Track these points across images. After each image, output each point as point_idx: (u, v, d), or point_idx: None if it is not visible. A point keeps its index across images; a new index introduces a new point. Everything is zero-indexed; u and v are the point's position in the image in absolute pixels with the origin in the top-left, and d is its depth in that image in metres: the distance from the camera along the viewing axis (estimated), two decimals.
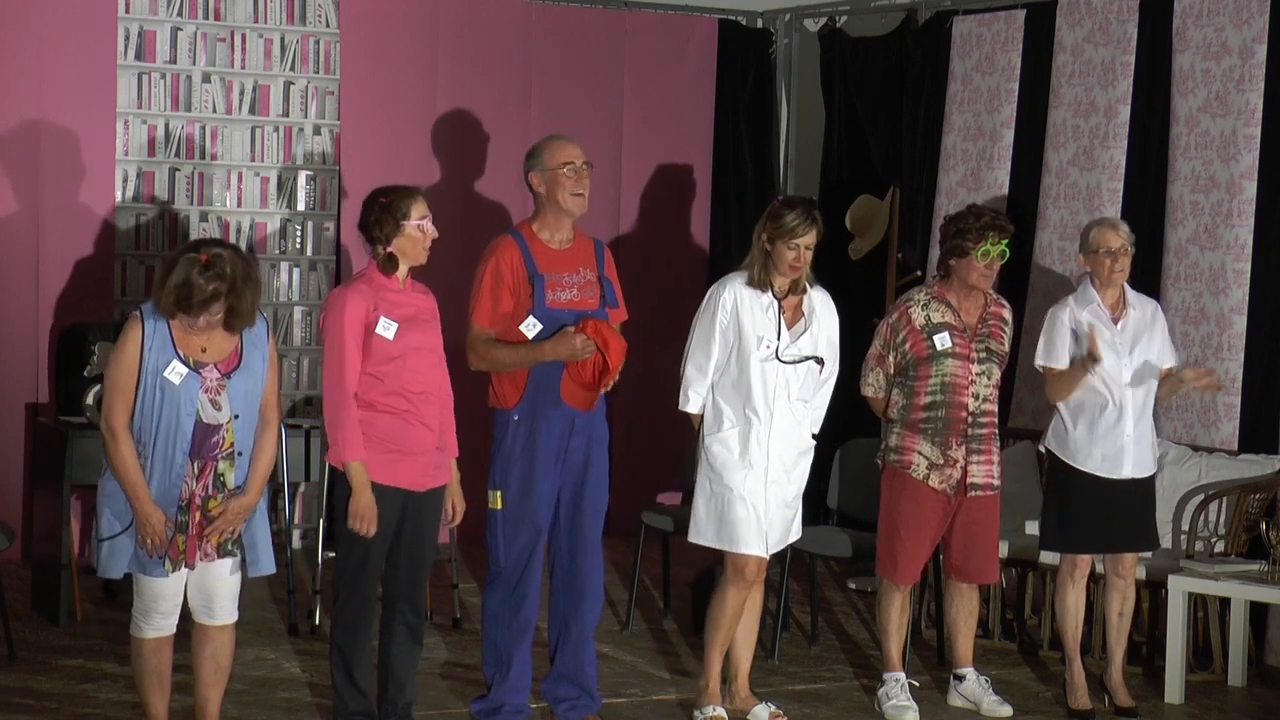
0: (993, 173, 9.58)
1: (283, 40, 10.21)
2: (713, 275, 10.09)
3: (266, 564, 5.94)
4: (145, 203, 9.94)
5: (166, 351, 5.71)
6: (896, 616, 7.22)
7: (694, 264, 11.08)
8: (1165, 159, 8.74)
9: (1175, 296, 8.54)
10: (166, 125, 9.99)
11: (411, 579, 6.33)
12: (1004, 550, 7.81)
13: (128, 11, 9.87)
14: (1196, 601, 7.72)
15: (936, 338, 7.09)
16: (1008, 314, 7.30)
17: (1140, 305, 7.28)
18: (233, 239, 9.91)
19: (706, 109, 11.18)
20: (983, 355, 7.13)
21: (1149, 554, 7.60)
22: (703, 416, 6.84)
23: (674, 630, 8.46)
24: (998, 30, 9.65)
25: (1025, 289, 9.14)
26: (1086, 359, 7.05)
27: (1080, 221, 8.88)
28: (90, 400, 8.13)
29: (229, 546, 5.85)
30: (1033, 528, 7.72)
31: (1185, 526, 8.11)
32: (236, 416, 5.79)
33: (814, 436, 6.90)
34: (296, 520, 9.95)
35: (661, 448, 10.34)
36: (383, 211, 6.19)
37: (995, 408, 7.19)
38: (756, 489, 6.72)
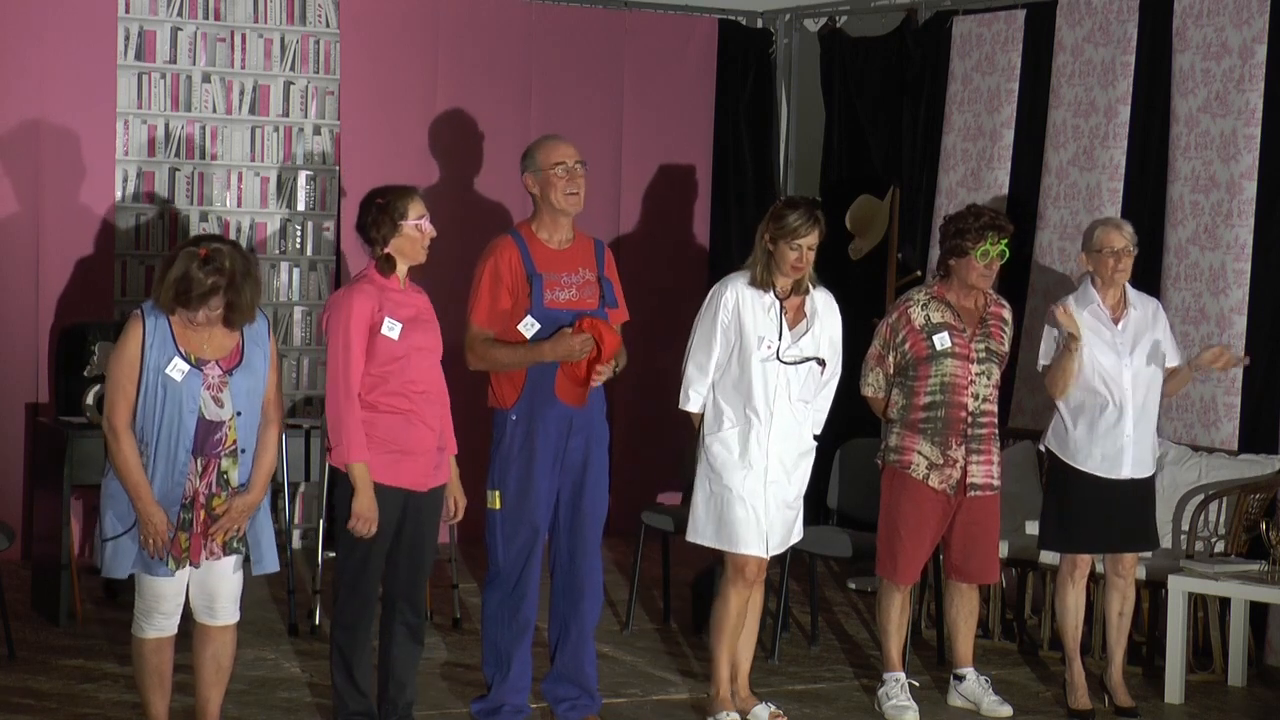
0: (993, 173, 9.58)
1: (283, 40, 10.22)
2: (713, 275, 10.09)
3: (270, 562, 5.94)
4: (145, 203, 9.95)
5: (168, 349, 5.71)
6: (896, 616, 7.22)
7: (694, 264, 11.08)
8: (1165, 159, 8.74)
9: (1175, 296, 8.54)
10: (166, 125, 9.99)
11: (411, 579, 6.33)
12: (1004, 550, 7.81)
13: (128, 11, 9.87)
14: (1196, 601, 7.72)
15: (936, 338, 7.09)
16: (1008, 314, 7.30)
17: (1142, 305, 7.28)
18: (233, 239, 9.91)
19: (706, 109, 11.18)
20: (982, 355, 7.13)
21: (1149, 554, 7.60)
22: (703, 416, 6.84)
23: (674, 630, 8.46)
24: (998, 30, 9.65)
25: (1025, 289, 9.14)
26: (1068, 339, 7.05)
27: (1080, 221, 8.89)
28: (90, 400, 8.13)
29: (234, 544, 5.86)
30: (1033, 528, 7.72)
31: (1185, 526, 8.11)
32: (239, 414, 5.79)
33: (815, 437, 6.90)
34: (296, 520, 9.95)
35: (661, 448, 10.34)
36: (380, 212, 6.19)
37: (995, 408, 7.19)
38: (756, 489, 6.72)
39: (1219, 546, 8.04)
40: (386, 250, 6.20)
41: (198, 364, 5.74)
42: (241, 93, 10.14)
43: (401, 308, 6.19)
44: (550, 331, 6.51)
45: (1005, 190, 9.53)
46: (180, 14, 9.98)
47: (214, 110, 10.08)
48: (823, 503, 8.58)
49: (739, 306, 6.73)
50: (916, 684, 7.36)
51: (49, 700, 6.98)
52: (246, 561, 5.92)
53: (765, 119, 11.30)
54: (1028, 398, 9.09)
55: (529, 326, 6.54)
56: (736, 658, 6.92)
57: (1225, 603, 7.72)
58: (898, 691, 7.19)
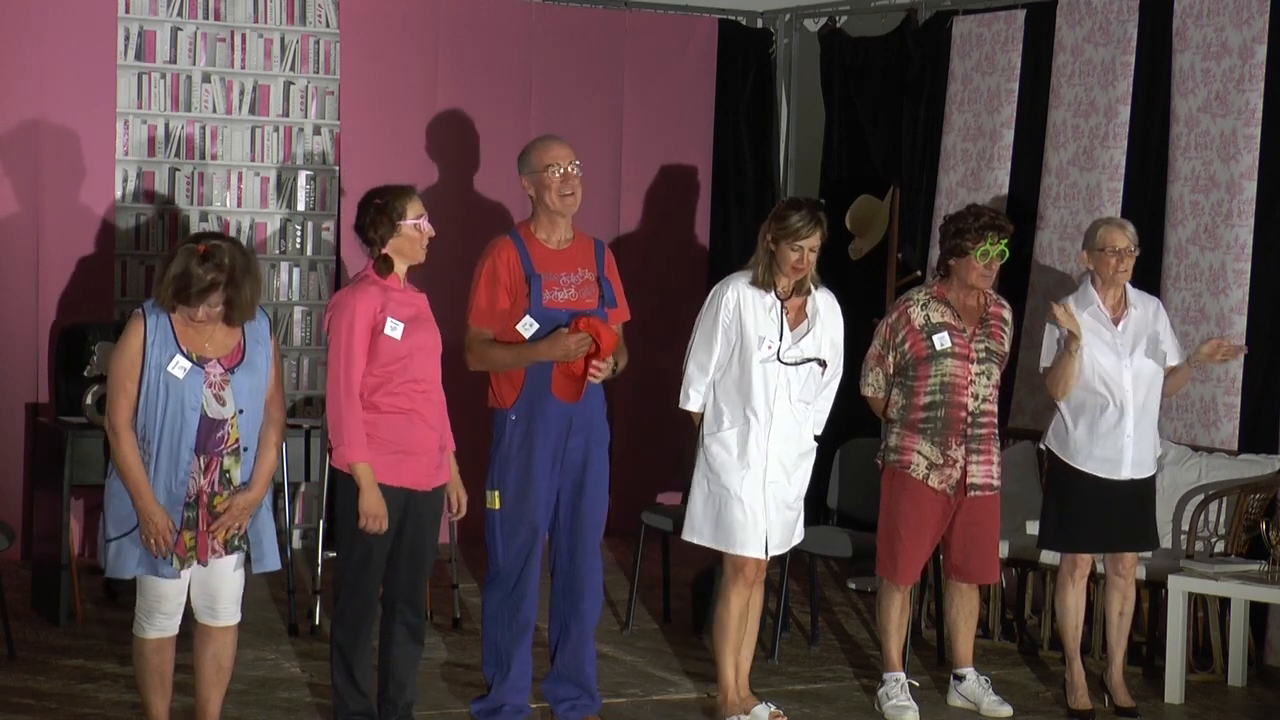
0: (993, 173, 9.58)
1: (283, 40, 10.22)
2: (713, 275, 10.09)
3: (272, 560, 5.94)
4: (145, 203, 9.95)
5: (169, 347, 5.72)
6: (896, 616, 7.22)
7: (694, 264, 11.08)
8: (1165, 159, 8.74)
9: (1175, 296, 8.54)
10: (166, 125, 10.00)
11: (412, 579, 6.33)
12: (1004, 550, 7.80)
13: (128, 11, 9.87)
14: (1196, 601, 7.72)
15: (936, 337, 7.08)
16: (1008, 314, 7.30)
17: (1142, 304, 7.27)
18: (232, 236, 9.91)
19: (706, 109, 11.18)
20: (982, 355, 7.13)
21: (1149, 554, 7.60)
22: (702, 415, 6.84)
23: (674, 630, 8.46)
24: (998, 30, 9.65)
25: (1025, 289, 9.14)
26: (1068, 340, 7.05)
27: (1080, 221, 8.89)
28: (90, 401, 8.13)
29: (235, 542, 5.86)
30: (1033, 528, 7.72)
31: (1185, 526, 8.11)
32: (241, 411, 5.79)
33: (815, 438, 6.90)
34: (296, 520, 9.95)
35: (661, 448, 10.34)
36: (378, 213, 6.19)
37: (995, 408, 7.19)
38: (755, 490, 6.72)
39: (1219, 546, 8.04)
40: (385, 250, 6.20)
41: (199, 362, 5.74)
42: (241, 93, 10.15)
43: (403, 307, 6.19)
44: (549, 331, 6.51)
45: (1005, 190, 9.53)
46: (180, 14, 9.98)
47: (214, 110, 10.08)
48: (823, 503, 8.58)
49: (740, 306, 6.73)
50: (916, 684, 7.36)
51: (49, 700, 6.97)
52: (248, 561, 5.92)
53: (765, 119, 11.30)
54: (1028, 398, 9.09)
55: (527, 326, 6.54)
56: (738, 657, 6.91)
57: (1225, 603, 7.72)
58: (898, 691, 7.19)
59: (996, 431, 7.22)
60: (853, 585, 9.47)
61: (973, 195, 9.47)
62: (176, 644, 5.94)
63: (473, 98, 10.46)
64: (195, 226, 9.97)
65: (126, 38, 9.88)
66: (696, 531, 6.84)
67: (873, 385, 7.23)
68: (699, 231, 11.19)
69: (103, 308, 9.68)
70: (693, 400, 6.84)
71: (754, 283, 6.75)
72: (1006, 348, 7.23)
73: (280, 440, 5.96)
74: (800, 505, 6.87)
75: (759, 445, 6.71)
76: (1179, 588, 7.47)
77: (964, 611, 7.31)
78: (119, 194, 9.85)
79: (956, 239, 7.11)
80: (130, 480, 5.71)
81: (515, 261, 6.56)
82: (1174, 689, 7.45)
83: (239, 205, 10.16)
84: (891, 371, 7.19)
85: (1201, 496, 8.06)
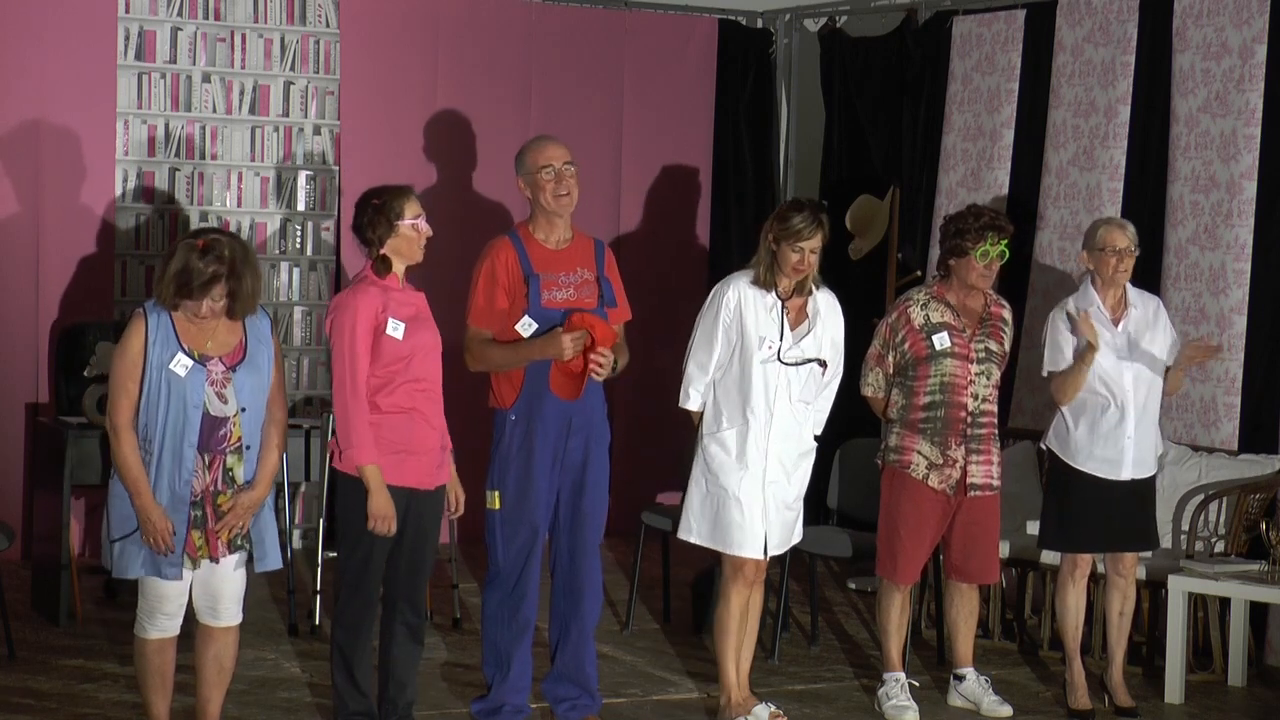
0: (993, 173, 9.59)
1: (283, 40, 10.22)
2: (713, 275, 10.10)
3: (274, 559, 5.95)
4: (145, 203, 9.95)
5: (170, 345, 5.72)
6: (896, 616, 7.22)
7: (694, 264, 11.08)
8: (1165, 159, 8.74)
9: (1175, 296, 8.54)
10: (166, 125, 10.00)
11: (412, 579, 6.33)
12: (1004, 550, 7.80)
13: (128, 11, 9.87)
14: (1196, 601, 7.72)
15: (935, 337, 7.08)
16: (1008, 314, 7.29)
17: (1142, 304, 7.27)
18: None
19: (706, 109, 11.18)
20: (982, 355, 7.13)
21: (1149, 554, 7.60)
22: (702, 415, 6.84)
23: (674, 630, 8.46)
24: (998, 30, 9.65)
25: (1025, 289, 9.14)
26: (1086, 350, 7.05)
27: (1080, 221, 8.89)
28: (88, 401, 8.13)
29: (239, 541, 5.86)
30: (1033, 528, 7.72)
31: (1185, 526, 8.11)
32: (243, 409, 5.80)
33: (815, 438, 6.90)
34: (296, 520, 9.95)
35: (661, 448, 10.34)
36: (375, 213, 6.19)
37: (995, 408, 7.19)
38: (753, 491, 6.71)
39: (1219, 546, 8.04)
40: (383, 251, 6.20)
41: (201, 360, 5.75)
42: (241, 93, 10.15)
43: (403, 307, 6.19)
44: (548, 331, 6.51)
45: (1005, 190, 9.53)
46: (180, 14, 9.98)
47: (214, 110, 10.08)
48: (823, 503, 8.58)
49: (741, 306, 6.73)
50: (916, 684, 7.36)
51: (49, 700, 6.97)
52: (250, 560, 5.92)
53: (765, 119, 11.30)
54: (1028, 398, 9.09)
55: (526, 326, 6.54)
56: (738, 657, 6.91)
57: (1225, 603, 7.72)
58: (898, 691, 7.19)
59: (996, 432, 7.22)
60: (853, 585, 9.47)
61: (973, 195, 9.47)
62: (177, 644, 5.94)
63: (473, 98, 10.46)
64: (195, 226, 9.97)
65: (126, 38, 9.88)
66: (692, 531, 6.84)
67: (872, 385, 7.23)
68: (699, 231, 11.19)
69: (103, 308, 9.68)
70: (693, 399, 6.84)
71: (755, 283, 6.75)
72: (1006, 348, 7.23)
73: (283, 440, 5.96)
74: (800, 505, 6.87)
75: (758, 446, 6.71)
76: (1179, 588, 7.47)
77: (964, 611, 7.32)
78: (119, 194, 9.85)
79: (956, 239, 7.11)
80: (129, 479, 5.72)
81: (514, 262, 6.56)
82: (1174, 689, 7.45)
83: (239, 205, 10.16)
84: (891, 371, 7.19)
85: (1201, 496, 8.06)
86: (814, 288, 6.81)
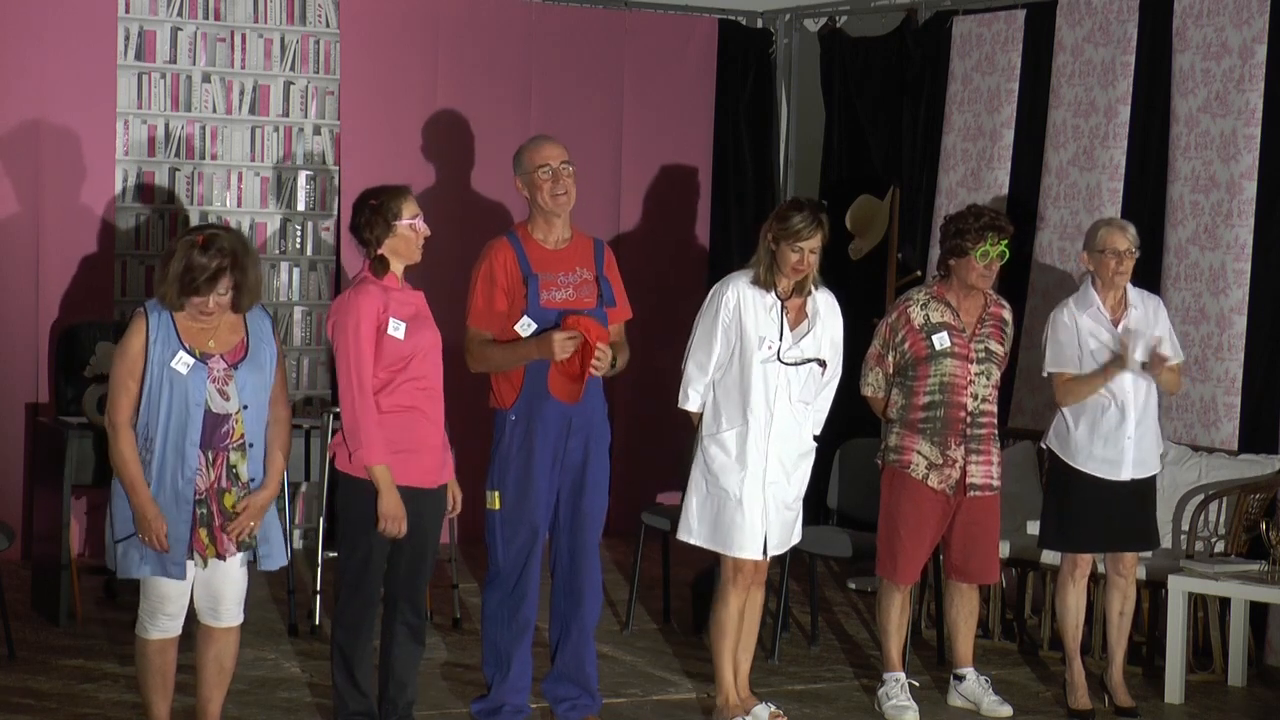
0: (993, 173, 9.58)
1: (283, 40, 10.22)
2: (713, 275, 10.09)
3: (279, 556, 5.97)
4: (145, 203, 9.95)
5: (172, 344, 5.72)
6: (896, 616, 7.22)
7: (694, 264, 11.08)
8: (1165, 159, 8.74)
9: (1175, 296, 8.54)
10: (166, 125, 10.00)
11: (413, 579, 6.32)
12: (1004, 550, 7.80)
13: (128, 11, 9.87)
14: (1196, 601, 7.72)
15: (935, 337, 7.08)
16: (1008, 314, 7.29)
17: (1142, 304, 7.27)
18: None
19: (706, 109, 11.18)
20: (982, 355, 7.13)
21: (1149, 554, 7.60)
22: (701, 415, 6.83)
23: (674, 630, 8.46)
24: (998, 30, 9.65)
25: (1025, 289, 9.14)
26: (1112, 365, 7.04)
27: (1080, 221, 8.89)
28: (89, 402, 8.13)
29: (247, 541, 5.87)
30: (1033, 528, 7.72)
31: (1185, 526, 8.11)
32: (245, 407, 5.80)
33: (815, 438, 6.90)
34: (297, 520, 9.95)
35: (661, 448, 10.34)
36: (373, 213, 6.19)
37: (994, 408, 7.19)
38: (754, 491, 6.71)
39: (1219, 546, 8.04)
40: (381, 251, 6.19)
41: (202, 358, 5.75)
42: (241, 93, 10.15)
43: (404, 306, 6.19)
44: (546, 332, 6.51)
45: (1005, 190, 9.53)
46: (180, 14, 9.98)
47: (214, 110, 10.08)
48: (823, 503, 8.58)
49: (740, 306, 6.72)
50: (916, 684, 7.36)
51: (49, 700, 6.97)
52: (252, 561, 5.93)
53: (765, 119, 11.30)
54: (1028, 398, 9.09)
55: (525, 327, 6.54)
56: (736, 658, 6.91)
57: (1225, 603, 7.72)
58: (898, 691, 7.19)
59: (996, 432, 7.22)
60: (853, 585, 9.47)
61: (973, 195, 9.47)
62: (178, 644, 5.94)
63: (473, 98, 10.46)
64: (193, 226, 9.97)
65: (126, 38, 9.88)
66: (692, 532, 6.83)
67: (872, 385, 7.23)
68: (699, 231, 11.19)
69: (103, 307, 9.68)
70: (692, 400, 6.83)
71: (754, 282, 6.75)
72: (1006, 348, 7.23)
73: (288, 439, 5.98)
74: (799, 506, 6.87)
75: (758, 446, 6.71)
76: (1179, 588, 7.47)
77: (964, 611, 7.32)
78: (119, 194, 9.85)
79: (956, 239, 7.11)
80: (126, 477, 5.72)
81: (512, 262, 6.56)
82: (1174, 689, 7.45)
83: (239, 205, 10.16)
84: (891, 371, 7.19)
85: (1201, 496, 8.06)
86: (813, 288, 6.80)
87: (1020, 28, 9.54)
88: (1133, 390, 7.16)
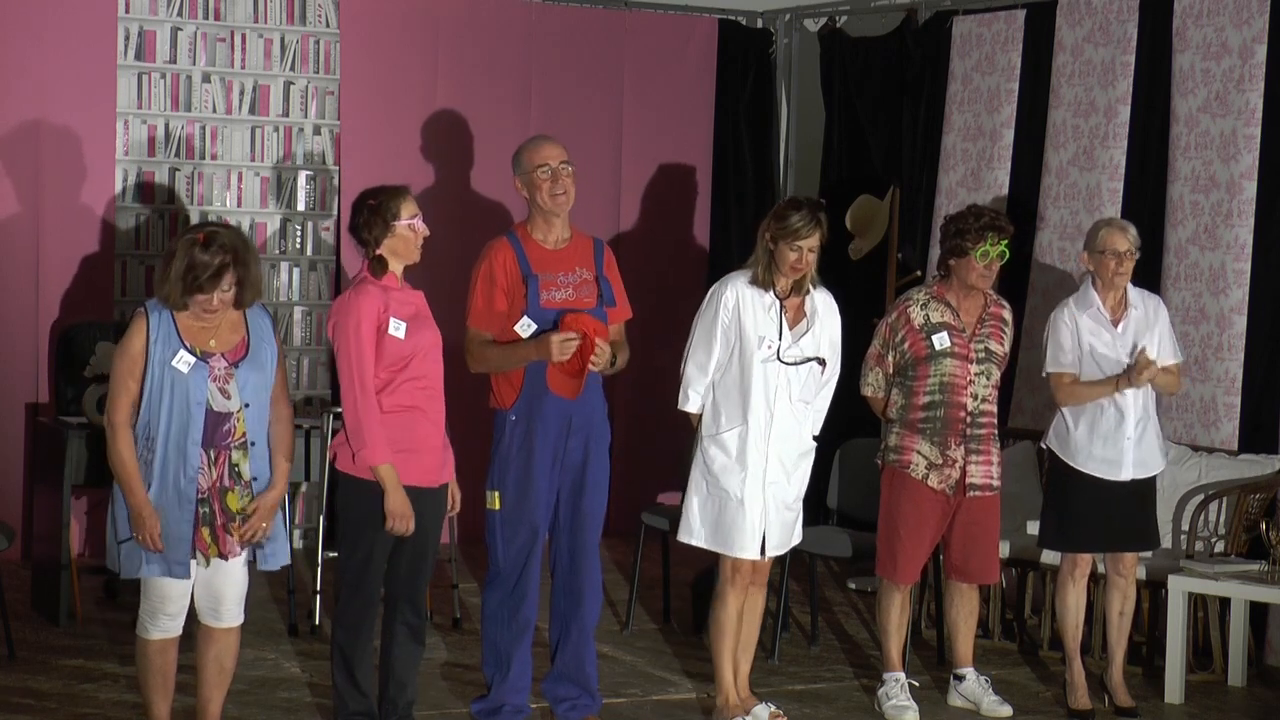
0: (993, 173, 9.58)
1: (283, 40, 10.22)
2: (713, 275, 10.09)
3: (282, 555, 5.98)
4: (145, 203, 9.95)
5: (172, 343, 5.73)
6: (896, 616, 7.22)
7: (694, 264, 11.08)
8: (1165, 159, 8.74)
9: (1175, 296, 8.54)
10: (166, 125, 10.00)
11: (413, 579, 6.32)
12: (1004, 550, 7.80)
13: (128, 11, 9.87)
14: (1196, 601, 7.72)
15: (935, 337, 7.08)
16: (1008, 314, 7.29)
17: (1143, 304, 7.27)
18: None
19: (706, 109, 11.18)
20: (981, 355, 7.12)
21: (1149, 554, 7.60)
22: (701, 416, 6.83)
23: (674, 630, 8.46)
24: (998, 30, 9.65)
25: (1025, 289, 9.14)
26: (1121, 379, 7.04)
27: (1080, 221, 8.89)
28: (89, 402, 8.13)
29: (261, 541, 5.88)
30: (1033, 528, 7.72)
31: (1185, 526, 8.11)
32: (247, 405, 5.80)
33: (814, 438, 6.90)
34: (297, 520, 9.95)
35: (661, 448, 10.33)
36: (371, 214, 6.19)
37: (994, 408, 7.19)
38: (754, 492, 6.70)
39: (1219, 546, 8.04)
40: (379, 251, 6.19)
41: (203, 357, 5.75)
42: (241, 93, 10.15)
43: (404, 306, 6.19)
44: (547, 331, 6.51)
45: (1005, 190, 9.53)
46: (180, 14, 9.98)
47: (214, 110, 10.08)
48: (823, 503, 8.58)
49: (739, 306, 6.72)
50: (916, 684, 7.36)
51: (49, 700, 6.98)
52: (251, 562, 5.93)
53: (765, 119, 11.30)
54: (1028, 398, 9.09)
55: (525, 327, 6.54)
56: (737, 658, 6.91)
57: (1225, 603, 7.72)
58: (898, 691, 7.19)
59: (996, 432, 7.22)
60: (853, 585, 9.47)
61: (973, 195, 9.47)
62: (178, 644, 5.94)
63: (472, 98, 10.46)
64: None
65: (126, 38, 9.88)
66: (693, 533, 6.83)
67: (872, 385, 7.23)
68: (699, 231, 11.19)
69: (103, 308, 9.68)
70: (692, 401, 6.83)
71: (753, 282, 6.74)
72: (1006, 348, 7.23)
73: (291, 439, 5.98)
74: (799, 506, 6.87)
75: (758, 446, 6.70)
76: (1179, 588, 7.47)
77: (964, 611, 7.31)
78: (119, 194, 9.85)
79: (956, 239, 7.11)
80: (123, 476, 5.72)
81: (512, 262, 6.56)
82: (1174, 689, 7.45)
83: (239, 205, 10.16)
84: (891, 371, 7.19)
85: (1201, 496, 8.06)
86: (811, 287, 6.80)
87: (1020, 28, 9.54)
88: (1131, 391, 7.15)
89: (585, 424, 6.65)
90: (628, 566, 8.98)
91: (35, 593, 8.50)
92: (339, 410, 6.23)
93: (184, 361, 5.72)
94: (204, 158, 10.05)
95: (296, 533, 9.88)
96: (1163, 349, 7.24)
